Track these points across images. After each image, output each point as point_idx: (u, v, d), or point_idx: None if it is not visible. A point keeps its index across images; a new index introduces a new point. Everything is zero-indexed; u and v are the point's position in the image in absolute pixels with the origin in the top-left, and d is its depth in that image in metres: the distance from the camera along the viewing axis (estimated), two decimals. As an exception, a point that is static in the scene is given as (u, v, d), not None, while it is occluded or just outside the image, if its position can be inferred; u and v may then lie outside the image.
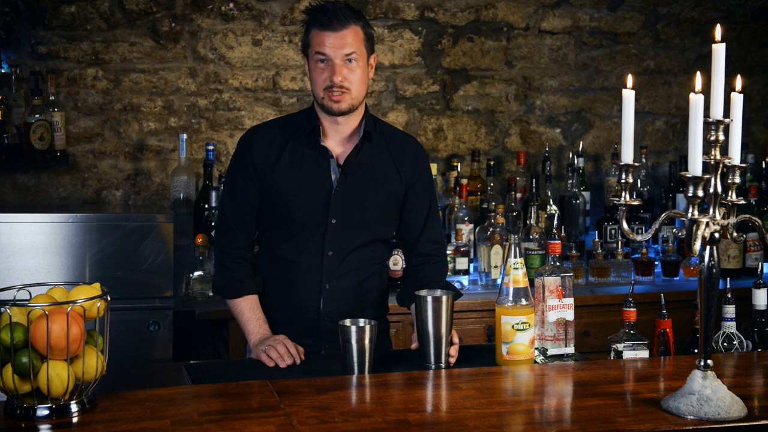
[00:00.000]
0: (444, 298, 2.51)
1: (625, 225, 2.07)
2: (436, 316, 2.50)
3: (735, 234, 2.05)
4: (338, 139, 2.81)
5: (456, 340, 2.58)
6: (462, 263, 3.92)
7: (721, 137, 2.00)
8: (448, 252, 3.91)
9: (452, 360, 2.55)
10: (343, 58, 2.69)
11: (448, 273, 3.89)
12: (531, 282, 2.52)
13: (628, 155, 2.06)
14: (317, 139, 2.79)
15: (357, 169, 2.79)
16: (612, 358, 2.60)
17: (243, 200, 2.83)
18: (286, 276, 2.80)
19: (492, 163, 4.25)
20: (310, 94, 4.32)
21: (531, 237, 3.96)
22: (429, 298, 2.51)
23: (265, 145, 2.81)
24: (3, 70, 3.94)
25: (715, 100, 1.98)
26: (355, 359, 2.43)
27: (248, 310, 2.77)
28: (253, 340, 2.72)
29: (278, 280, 2.82)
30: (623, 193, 2.07)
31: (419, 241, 2.89)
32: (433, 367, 2.51)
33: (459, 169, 4.31)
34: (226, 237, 2.85)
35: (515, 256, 2.51)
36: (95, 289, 2.05)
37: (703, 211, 2.02)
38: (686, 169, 1.98)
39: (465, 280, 3.91)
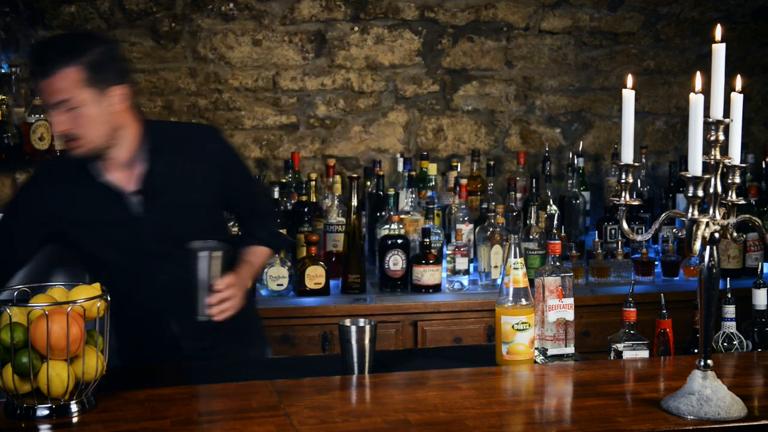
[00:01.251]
0: (208, 252, 2.57)
1: (625, 225, 2.07)
2: (203, 269, 2.56)
3: (735, 234, 2.04)
4: (119, 168, 2.64)
5: (221, 287, 2.56)
6: (462, 263, 3.91)
7: (721, 137, 2.00)
8: (448, 252, 3.92)
9: (219, 310, 2.55)
10: (57, 107, 2.49)
11: (448, 273, 3.90)
12: (531, 282, 2.52)
13: (628, 155, 2.06)
14: (96, 177, 2.64)
15: (153, 190, 2.65)
16: (612, 358, 2.59)
17: (10, 236, 2.67)
18: (131, 309, 2.65)
19: (492, 163, 4.25)
20: (310, 94, 4.35)
21: (531, 237, 3.96)
22: (198, 250, 2.57)
23: (50, 194, 2.64)
24: (3, 70, 3.93)
25: (715, 100, 1.98)
26: (355, 359, 2.43)
27: None
28: None
29: (125, 313, 2.57)
30: (623, 193, 2.07)
31: (252, 217, 2.89)
32: (198, 317, 2.57)
33: (459, 169, 4.31)
34: None
35: (515, 256, 2.51)
36: (95, 289, 2.05)
37: (703, 211, 2.02)
38: (686, 169, 1.97)
39: (465, 280, 3.91)
